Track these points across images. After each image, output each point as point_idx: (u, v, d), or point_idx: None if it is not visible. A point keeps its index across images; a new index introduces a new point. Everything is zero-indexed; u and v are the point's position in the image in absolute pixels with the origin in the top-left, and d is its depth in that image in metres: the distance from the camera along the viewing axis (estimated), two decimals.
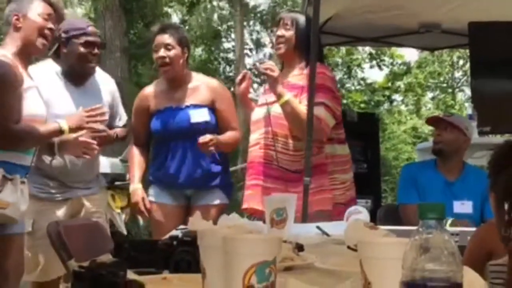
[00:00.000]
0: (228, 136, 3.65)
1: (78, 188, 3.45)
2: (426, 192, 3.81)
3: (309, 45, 3.36)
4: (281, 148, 3.39)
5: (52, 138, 3.09)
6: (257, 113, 3.54)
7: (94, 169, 3.54)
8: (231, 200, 3.82)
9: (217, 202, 3.66)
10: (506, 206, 1.92)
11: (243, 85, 3.50)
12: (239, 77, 3.54)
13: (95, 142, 3.27)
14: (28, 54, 3.02)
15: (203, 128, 3.60)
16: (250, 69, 15.99)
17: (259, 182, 3.44)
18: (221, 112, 3.68)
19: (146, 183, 3.80)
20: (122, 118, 3.68)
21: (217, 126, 3.68)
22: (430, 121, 4.24)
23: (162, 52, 3.63)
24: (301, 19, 3.54)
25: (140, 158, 3.79)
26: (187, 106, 3.66)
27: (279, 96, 3.33)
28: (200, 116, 3.64)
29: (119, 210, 6.25)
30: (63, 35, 3.42)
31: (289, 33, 3.48)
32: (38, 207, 3.32)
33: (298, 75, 3.47)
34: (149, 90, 3.81)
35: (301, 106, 3.32)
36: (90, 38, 3.43)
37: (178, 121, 3.64)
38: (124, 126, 3.69)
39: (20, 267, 2.99)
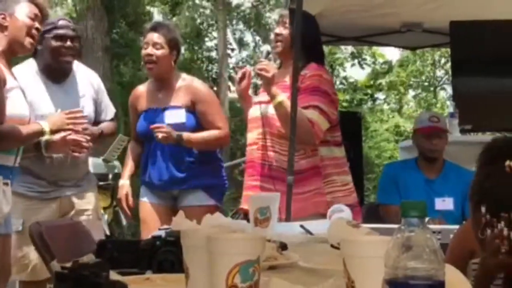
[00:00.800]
0: (205, 134, 3.63)
1: (68, 187, 3.43)
2: (407, 190, 3.84)
3: (307, 44, 3.31)
4: (279, 149, 3.38)
5: (34, 139, 3.06)
6: (255, 111, 3.48)
7: (83, 167, 3.52)
8: (227, 199, 3.81)
9: (202, 203, 3.63)
10: (483, 209, 1.93)
11: (244, 82, 3.46)
12: (239, 75, 3.49)
13: (84, 140, 3.25)
14: (12, 54, 3.00)
15: (179, 129, 3.59)
16: (233, 68, 15.98)
17: (259, 183, 3.41)
18: (202, 114, 3.67)
19: (138, 182, 3.84)
20: (108, 112, 3.65)
21: (196, 128, 3.66)
22: (427, 131, 4.03)
23: (149, 50, 3.64)
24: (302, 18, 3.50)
25: (134, 154, 3.82)
26: (166, 108, 3.66)
27: (272, 97, 3.28)
28: (176, 117, 3.62)
29: (102, 211, 6.22)
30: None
31: (287, 31, 3.42)
32: (27, 206, 3.31)
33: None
34: (140, 89, 3.85)
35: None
36: (60, 31, 3.39)
37: (154, 122, 3.63)
38: (111, 120, 3.66)
39: (6, 267, 2.96)
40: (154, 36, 3.64)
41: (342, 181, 3.44)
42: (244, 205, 3.51)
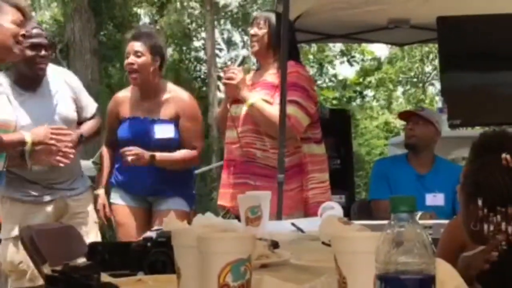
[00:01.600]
0: (177, 155, 3.62)
1: (62, 189, 3.42)
2: (398, 186, 3.84)
3: (280, 44, 3.38)
4: (260, 145, 3.41)
5: (15, 147, 3.03)
6: (234, 109, 3.51)
7: (76, 169, 3.50)
8: (205, 199, 3.82)
9: (178, 207, 3.61)
10: (480, 202, 1.93)
11: (233, 85, 3.44)
12: (227, 75, 3.48)
13: (72, 151, 3.24)
14: (0, 62, 2.98)
15: (166, 144, 3.61)
16: (220, 68, 15.97)
17: (246, 180, 3.43)
18: (184, 129, 3.65)
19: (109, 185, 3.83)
20: (89, 109, 3.60)
21: (180, 143, 3.66)
22: (403, 115, 4.28)
23: (130, 59, 3.61)
24: (274, 18, 3.55)
25: (108, 159, 3.81)
26: (154, 120, 3.64)
27: (244, 100, 3.37)
28: (165, 132, 3.62)
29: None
30: None
31: (262, 31, 3.50)
32: (23, 211, 3.29)
33: (273, 74, 3.48)
34: (122, 95, 3.81)
35: (268, 107, 3.35)
36: (35, 40, 3.34)
37: (142, 133, 3.62)
38: (93, 116, 3.61)
39: None
40: (135, 45, 3.62)
41: (321, 179, 3.48)
42: (220, 201, 3.54)
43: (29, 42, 3.34)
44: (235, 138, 3.47)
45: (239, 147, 3.45)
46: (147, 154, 3.53)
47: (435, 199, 3.76)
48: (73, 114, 3.48)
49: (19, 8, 2.98)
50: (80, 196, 3.49)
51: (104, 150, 3.85)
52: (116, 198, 3.73)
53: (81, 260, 1.75)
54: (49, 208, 3.38)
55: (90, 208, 3.57)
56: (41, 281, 3.20)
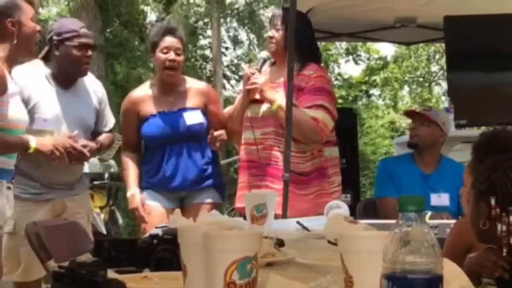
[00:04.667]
0: (225, 134, 3.66)
1: (61, 189, 3.42)
2: (403, 185, 3.82)
3: (300, 44, 3.34)
4: (278, 148, 3.39)
5: (17, 151, 3.00)
6: (254, 110, 3.49)
7: (77, 172, 3.50)
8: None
9: (209, 200, 3.64)
10: (492, 201, 1.92)
11: (255, 90, 3.46)
12: (252, 81, 3.46)
13: (87, 154, 3.28)
14: (16, 59, 2.99)
15: (198, 130, 3.61)
16: (227, 66, 15.96)
17: (260, 182, 3.41)
18: (214, 115, 3.69)
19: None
20: (108, 123, 3.64)
21: (208, 128, 3.67)
22: (408, 114, 4.27)
23: (172, 55, 3.57)
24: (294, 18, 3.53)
25: (133, 163, 3.72)
26: (180, 109, 3.63)
27: (271, 103, 3.36)
28: (195, 118, 3.62)
29: (98, 210, 6.21)
30: (55, 37, 3.37)
31: (279, 33, 3.47)
32: (20, 208, 3.29)
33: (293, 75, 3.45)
34: (137, 94, 3.74)
35: (296, 110, 3.30)
36: (83, 40, 3.37)
37: (173, 125, 3.61)
38: (110, 131, 3.65)
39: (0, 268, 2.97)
40: (175, 41, 3.59)
41: (338, 182, 3.50)
42: (238, 204, 3.52)
43: (77, 42, 3.36)
44: (251, 139, 3.45)
45: (259, 148, 3.43)
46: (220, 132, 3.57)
47: (440, 199, 3.73)
48: (91, 123, 3.51)
49: (31, 3, 2.98)
50: (78, 196, 3.50)
51: (125, 153, 3.75)
52: (149, 199, 3.67)
53: (87, 257, 1.76)
54: (48, 207, 3.39)
55: (87, 208, 3.57)
56: (35, 276, 3.22)
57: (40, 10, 11.16)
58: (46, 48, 3.45)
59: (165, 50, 3.59)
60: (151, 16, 16.51)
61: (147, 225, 3.67)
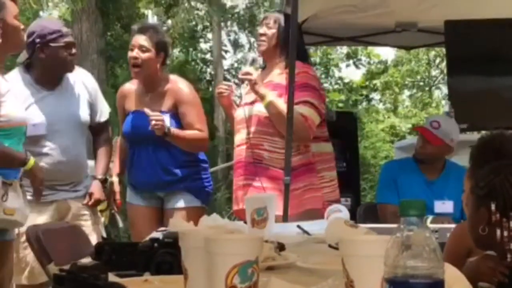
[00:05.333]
0: (189, 133, 3.60)
1: (65, 191, 3.42)
2: (406, 191, 3.77)
3: (287, 44, 3.38)
4: (269, 146, 3.40)
5: (13, 165, 2.89)
6: (240, 113, 3.55)
7: (80, 171, 3.50)
8: (210, 202, 3.82)
9: (189, 205, 3.63)
10: (493, 206, 1.91)
11: (225, 97, 3.52)
12: (218, 90, 3.55)
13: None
14: (4, 58, 2.97)
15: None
16: (227, 69, 15.98)
17: (252, 182, 3.43)
18: (183, 115, 3.64)
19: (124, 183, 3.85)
20: (103, 113, 3.63)
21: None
22: (418, 130, 4.07)
23: (135, 53, 3.60)
24: (283, 18, 3.55)
25: (122, 150, 3.81)
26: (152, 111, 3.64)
27: (262, 97, 3.37)
28: None
29: (98, 213, 6.20)
30: (38, 40, 3.34)
31: (271, 31, 3.51)
32: None
33: (280, 74, 3.49)
34: (127, 87, 3.81)
35: (285, 105, 3.32)
36: (69, 39, 3.39)
37: (141, 125, 3.61)
38: (105, 122, 3.64)
39: (11, 272, 2.97)
40: (141, 39, 3.60)
41: (330, 177, 3.49)
42: (235, 207, 3.54)
43: (63, 42, 3.35)
44: (243, 140, 3.48)
45: (246, 148, 3.46)
46: (166, 124, 3.52)
47: (444, 206, 3.67)
48: (86, 118, 3.51)
49: (14, 1, 2.92)
50: (82, 198, 3.49)
51: (119, 141, 3.85)
52: (130, 197, 3.76)
53: (87, 260, 1.75)
54: (51, 209, 3.38)
55: (93, 210, 3.56)
56: (40, 279, 3.22)
57: (41, 13, 11.17)
58: (26, 52, 3.38)
59: (132, 48, 3.63)
60: (152, 19, 16.52)
61: (132, 225, 3.80)
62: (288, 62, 3.41)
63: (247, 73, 3.40)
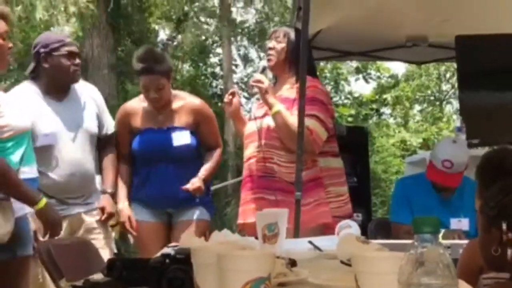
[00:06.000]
0: (213, 163, 3.68)
1: (77, 205, 3.43)
2: (421, 210, 3.66)
3: (298, 59, 3.38)
4: (278, 160, 3.40)
5: (23, 200, 2.85)
6: (250, 127, 3.54)
7: (91, 183, 3.51)
8: (218, 216, 3.83)
9: (198, 217, 3.64)
10: (504, 226, 1.89)
11: (234, 103, 3.52)
12: (227, 98, 3.56)
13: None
14: None
15: (185, 151, 3.61)
16: (237, 83, 16.02)
17: (263, 195, 3.42)
18: (204, 134, 3.69)
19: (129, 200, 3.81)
20: (110, 127, 3.65)
21: (198, 148, 3.68)
22: (434, 180, 3.79)
23: (153, 94, 3.58)
24: (294, 33, 3.55)
25: (124, 174, 3.74)
26: (169, 128, 3.64)
27: (270, 106, 3.36)
28: (183, 139, 3.62)
29: (109, 228, 6.20)
30: (41, 50, 3.39)
31: (280, 45, 3.50)
32: (37, 225, 3.30)
33: (290, 89, 3.48)
34: (130, 106, 3.76)
35: (293, 118, 3.31)
36: (71, 48, 3.41)
37: (159, 144, 3.61)
38: (111, 135, 3.65)
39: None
40: (153, 79, 3.55)
41: (337, 192, 3.47)
42: (241, 219, 3.52)
43: (65, 51, 3.38)
44: (253, 153, 3.47)
45: (256, 161, 3.45)
46: (200, 182, 3.56)
47: (460, 224, 3.59)
48: (95, 129, 3.53)
49: (4, 18, 2.87)
50: (95, 211, 3.50)
51: (119, 164, 3.74)
52: (136, 214, 3.70)
53: (99, 276, 1.75)
54: (64, 223, 3.38)
55: (104, 224, 3.56)
56: None
57: (52, 29, 11.25)
58: (32, 64, 3.45)
59: (145, 89, 3.60)
60: (163, 35, 16.61)
61: (138, 242, 3.74)
62: (298, 77, 3.40)
63: (259, 81, 3.38)
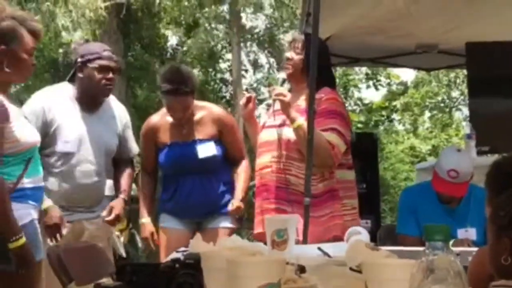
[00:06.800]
0: (244, 179, 3.73)
1: (81, 212, 3.44)
2: (427, 219, 3.60)
3: (319, 69, 3.31)
4: (296, 172, 3.38)
5: (3, 228, 2.70)
6: (266, 135, 3.49)
7: (97, 193, 3.51)
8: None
9: (226, 225, 3.68)
10: None
11: (249, 107, 3.51)
12: (243, 100, 3.54)
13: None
14: (9, 85, 2.93)
15: (211, 162, 3.64)
16: (246, 89, 16.03)
17: (275, 206, 3.40)
18: (229, 144, 3.72)
19: (155, 210, 3.84)
20: (132, 150, 3.66)
21: (223, 157, 3.70)
22: (441, 191, 3.69)
23: (179, 113, 3.60)
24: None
25: (149, 187, 3.80)
26: (194, 141, 3.66)
27: (292, 121, 3.33)
28: (207, 150, 3.65)
29: (118, 233, 6.22)
30: (79, 59, 3.43)
31: (298, 57, 3.45)
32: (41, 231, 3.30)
33: (306, 99, 3.45)
34: (155, 120, 3.78)
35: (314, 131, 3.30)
36: (104, 62, 3.41)
37: (185, 157, 3.64)
38: (131, 160, 3.67)
39: None
40: (179, 101, 3.57)
41: (352, 205, 3.46)
42: (257, 229, 3.50)
43: (97, 64, 3.39)
44: (269, 162, 3.43)
45: (273, 171, 3.42)
46: (237, 201, 3.62)
47: (467, 233, 3.54)
48: (114, 148, 3.54)
49: (35, 34, 2.89)
50: (98, 219, 3.50)
51: (143, 177, 3.81)
52: (163, 222, 3.75)
53: (109, 281, 1.76)
54: (67, 230, 3.40)
55: (107, 232, 3.57)
56: None
57: (63, 34, 11.31)
58: (72, 71, 3.51)
59: (172, 110, 3.62)
60: (172, 40, 16.66)
61: (164, 248, 3.72)
62: (317, 87, 3.37)
63: (281, 94, 3.33)
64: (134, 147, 3.69)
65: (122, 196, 3.56)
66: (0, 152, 2.74)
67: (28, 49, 2.84)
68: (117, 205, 3.50)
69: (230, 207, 3.61)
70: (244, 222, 4.00)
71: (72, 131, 3.38)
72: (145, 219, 3.74)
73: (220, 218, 3.69)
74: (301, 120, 3.32)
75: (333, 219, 3.36)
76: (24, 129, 2.84)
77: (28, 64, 2.86)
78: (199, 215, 3.71)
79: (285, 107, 3.32)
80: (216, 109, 3.81)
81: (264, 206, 3.45)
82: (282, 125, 3.44)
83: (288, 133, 3.39)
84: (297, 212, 3.22)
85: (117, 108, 3.62)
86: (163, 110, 3.76)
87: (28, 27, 2.83)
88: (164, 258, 3.65)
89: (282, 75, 3.74)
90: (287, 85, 3.61)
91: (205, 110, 3.73)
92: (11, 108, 2.83)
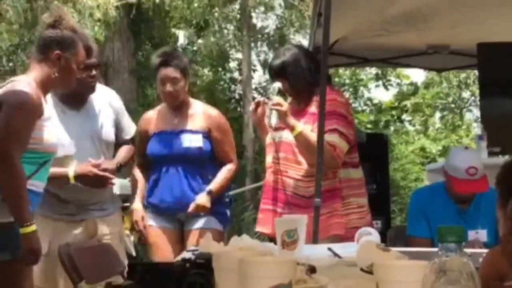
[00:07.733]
0: (224, 176, 3.69)
1: (94, 210, 3.44)
2: (438, 222, 3.57)
3: (315, 71, 3.41)
4: (293, 174, 3.41)
5: (17, 215, 2.72)
6: (269, 136, 3.60)
7: (107, 191, 3.51)
8: (236, 221, 3.84)
9: (210, 227, 3.64)
10: None
11: (259, 111, 3.53)
12: (253, 105, 3.58)
13: (113, 177, 3.37)
14: (51, 89, 3.01)
15: (196, 154, 3.63)
16: (255, 88, 16.01)
17: (270, 207, 3.49)
18: (217, 142, 3.70)
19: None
20: (129, 131, 3.66)
21: (212, 155, 3.69)
22: (464, 192, 3.62)
23: (169, 87, 3.63)
24: (300, 49, 3.59)
25: (141, 179, 3.81)
26: (182, 131, 3.67)
27: (291, 129, 3.38)
28: (194, 141, 3.64)
29: (128, 232, 6.24)
30: None
31: (285, 85, 3.53)
32: (54, 229, 3.32)
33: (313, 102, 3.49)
34: (151, 113, 3.84)
35: (314, 136, 3.32)
36: (87, 61, 3.42)
37: (170, 145, 3.65)
38: (131, 139, 3.66)
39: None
40: (169, 71, 3.62)
41: (358, 203, 3.46)
42: (258, 228, 3.54)
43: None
44: (270, 163, 3.53)
45: (272, 172, 3.51)
46: (205, 198, 3.58)
47: (477, 235, 3.53)
48: (112, 137, 3.54)
49: (88, 51, 3.00)
50: (110, 217, 3.51)
51: (136, 169, 3.83)
52: (149, 220, 3.74)
53: (120, 280, 1.77)
54: (80, 228, 3.40)
55: (118, 229, 3.58)
56: None
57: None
58: None
59: (161, 82, 3.65)
60: (183, 40, 16.68)
61: (153, 247, 3.74)
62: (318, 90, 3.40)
63: (278, 104, 3.41)
64: (132, 127, 3.67)
65: (115, 161, 3.53)
66: (23, 149, 2.75)
67: (79, 61, 2.93)
68: (107, 162, 3.45)
69: (192, 205, 3.57)
70: (252, 221, 4.00)
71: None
72: (137, 205, 3.74)
73: (203, 218, 3.65)
74: (300, 127, 3.37)
75: (332, 218, 3.38)
76: (50, 133, 2.87)
77: (75, 75, 2.95)
78: (181, 209, 3.63)
79: (284, 116, 3.39)
80: (212, 109, 3.83)
81: (264, 206, 3.55)
82: (278, 128, 3.52)
83: (287, 136, 3.45)
84: (292, 214, 3.26)
85: (105, 95, 3.59)
86: (160, 105, 3.81)
87: (85, 42, 2.96)
88: (154, 257, 3.70)
89: (277, 84, 3.80)
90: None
91: (201, 107, 3.77)
92: (47, 109, 2.87)
